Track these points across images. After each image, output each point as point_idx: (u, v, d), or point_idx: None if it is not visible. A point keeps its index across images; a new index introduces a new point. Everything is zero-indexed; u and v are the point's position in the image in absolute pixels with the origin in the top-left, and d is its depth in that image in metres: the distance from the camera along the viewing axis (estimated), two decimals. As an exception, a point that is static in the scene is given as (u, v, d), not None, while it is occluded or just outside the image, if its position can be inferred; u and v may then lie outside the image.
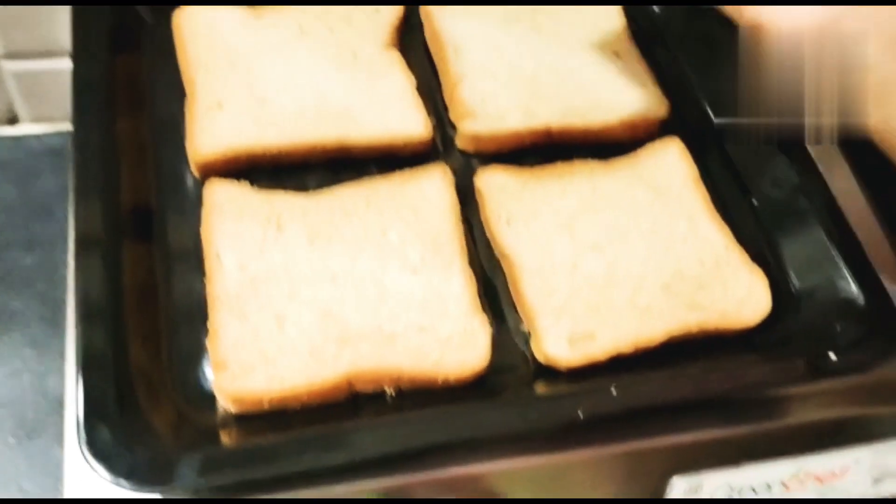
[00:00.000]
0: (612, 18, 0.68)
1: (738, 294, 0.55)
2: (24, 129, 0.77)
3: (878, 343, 0.54)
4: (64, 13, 0.60)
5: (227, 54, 0.59)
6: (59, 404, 0.60)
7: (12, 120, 0.77)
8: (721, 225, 0.57)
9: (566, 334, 0.51)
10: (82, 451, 0.41)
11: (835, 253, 0.57)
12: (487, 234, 0.56)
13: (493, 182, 0.57)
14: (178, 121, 0.57)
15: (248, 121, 0.56)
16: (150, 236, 0.53)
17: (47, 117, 0.76)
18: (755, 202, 0.61)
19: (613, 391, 0.48)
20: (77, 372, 0.44)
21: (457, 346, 0.49)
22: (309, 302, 0.49)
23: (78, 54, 0.57)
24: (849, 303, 0.56)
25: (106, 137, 0.54)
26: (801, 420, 0.52)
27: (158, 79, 0.60)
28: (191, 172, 0.56)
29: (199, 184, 0.55)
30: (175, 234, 0.53)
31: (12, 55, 0.70)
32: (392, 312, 0.50)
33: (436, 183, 0.56)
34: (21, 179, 0.74)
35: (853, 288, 0.56)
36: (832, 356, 0.53)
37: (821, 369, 0.53)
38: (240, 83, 0.58)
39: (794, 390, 0.52)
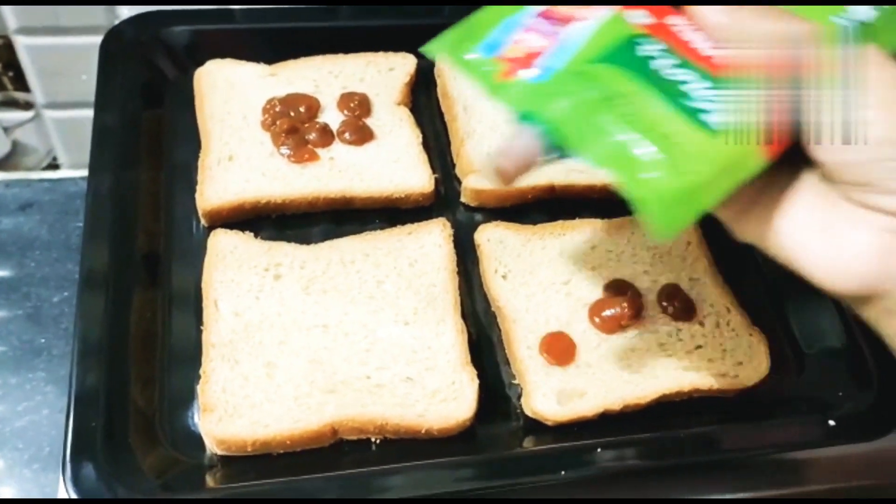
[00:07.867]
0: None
1: (736, 356, 0.54)
2: (64, 173, 0.81)
3: (883, 413, 0.52)
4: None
5: (242, 108, 0.61)
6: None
7: (53, 165, 0.81)
8: (722, 285, 0.57)
9: (555, 391, 0.51)
10: (65, 486, 0.43)
11: (844, 316, 0.56)
12: (484, 288, 0.57)
13: (493, 237, 0.58)
14: (192, 171, 0.59)
15: (256, 173, 0.58)
16: (156, 280, 0.55)
17: (86, 163, 0.80)
18: (760, 261, 0.60)
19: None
20: (68, 407, 0.46)
21: (443, 398, 0.49)
22: (299, 350, 0.50)
23: (100, 103, 0.60)
24: (855, 369, 0.55)
25: (119, 182, 0.57)
26: (793, 490, 0.51)
27: (177, 131, 0.62)
28: (199, 221, 0.57)
29: (207, 232, 0.57)
30: (179, 279, 0.55)
31: (54, 105, 0.74)
32: (381, 362, 0.51)
33: (435, 237, 0.56)
34: (57, 220, 0.77)
35: (862, 354, 0.55)
36: (831, 422, 0.51)
37: (817, 436, 0.52)
38: (251, 136, 0.60)
39: (786, 457, 0.51)
